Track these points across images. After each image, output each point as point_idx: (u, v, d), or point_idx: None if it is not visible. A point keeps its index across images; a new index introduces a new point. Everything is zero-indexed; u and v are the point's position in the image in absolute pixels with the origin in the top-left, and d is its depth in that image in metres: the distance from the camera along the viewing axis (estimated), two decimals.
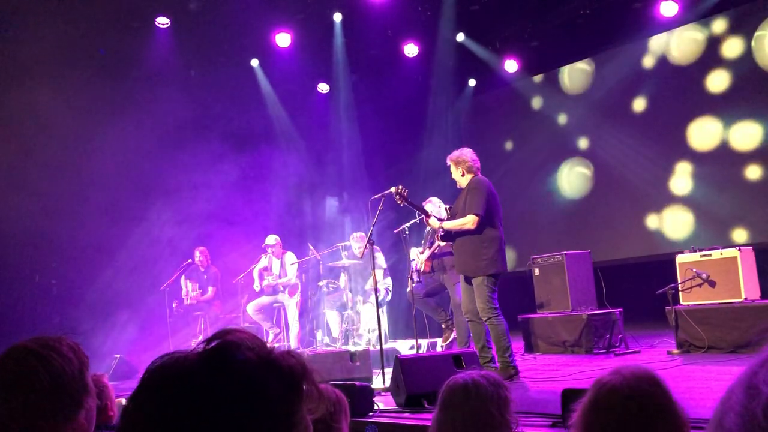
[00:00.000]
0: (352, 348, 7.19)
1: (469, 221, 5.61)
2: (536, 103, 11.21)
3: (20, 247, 8.31)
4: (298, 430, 0.85)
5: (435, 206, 7.05)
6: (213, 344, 0.85)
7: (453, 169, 5.91)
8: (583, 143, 10.56)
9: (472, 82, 11.77)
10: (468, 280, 5.79)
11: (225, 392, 0.80)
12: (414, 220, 7.30)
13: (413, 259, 7.59)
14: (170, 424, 0.80)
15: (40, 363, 1.40)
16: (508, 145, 11.64)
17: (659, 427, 1.55)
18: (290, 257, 8.83)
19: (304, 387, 0.87)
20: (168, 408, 0.80)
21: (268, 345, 0.88)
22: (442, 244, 6.52)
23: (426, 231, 7.46)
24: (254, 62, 10.45)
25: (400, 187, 5.79)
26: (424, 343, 7.53)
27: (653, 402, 1.56)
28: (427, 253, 7.38)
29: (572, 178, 10.72)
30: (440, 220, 5.94)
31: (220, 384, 0.81)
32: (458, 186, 5.96)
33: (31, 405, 1.37)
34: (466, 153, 5.88)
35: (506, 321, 5.63)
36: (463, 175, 5.85)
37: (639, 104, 9.90)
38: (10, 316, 8.07)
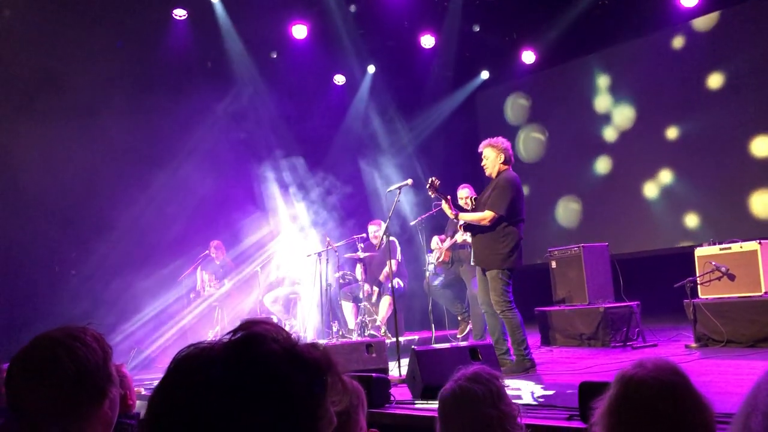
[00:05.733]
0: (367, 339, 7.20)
1: (486, 217, 5.54)
2: (557, 94, 11.10)
3: (40, 238, 8.39)
4: (322, 422, 0.85)
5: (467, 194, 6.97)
6: (238, 335, 0.86)
7: (488, 153, 5.68)
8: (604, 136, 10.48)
9: (485, 74, 11.65)
10: (484, 272, 5.78)
11: (250, 384, 0.81)
12: (430, 212, 7.28)
13: (432, 250, 7.56)
14: (196, 414, 0.80)
15: (65, 353, 1.42)
16: (523, 137, 11.57)
17: (690, 418, 1.53)
18: (306, 250, 8.84)
19: (329, 379, 0.88)
20: (194, 398, 0.81)
21: (293, 337, 0.88)
22: (466, 237, 6.43)
23: (450, 220, 7.40)
24: (273, 55, 10.44)
25: (433, 179, 5.58)
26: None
27: (682, 393, 1.55)
28: (449, 242, 7.35)
29: (590, 171, 10.64)
30: (460, 210, 5.86)
31: (246, 375, 0.82)
32: (487, 174, 5.78)
33: (56, 394, 1.38)
34: (502, 140, 5.74)
35: (521, 314, 5.61)
36: (496, 161, 5.64)
37: (656, 99, 9.79)
38: (29, 306, 8.16)
